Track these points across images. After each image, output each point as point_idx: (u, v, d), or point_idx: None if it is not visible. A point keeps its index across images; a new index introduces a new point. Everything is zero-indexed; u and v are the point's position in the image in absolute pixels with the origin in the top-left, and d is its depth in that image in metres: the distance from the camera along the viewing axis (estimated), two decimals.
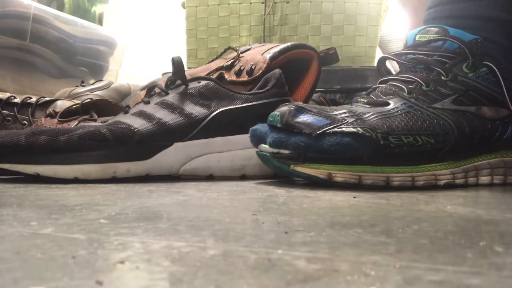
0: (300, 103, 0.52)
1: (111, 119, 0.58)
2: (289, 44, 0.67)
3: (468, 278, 0.20)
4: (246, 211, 0.36)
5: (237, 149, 0.59)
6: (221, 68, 0.64)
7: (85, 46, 1.15)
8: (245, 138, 0.58)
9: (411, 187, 0.51)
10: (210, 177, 0.59)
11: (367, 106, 0.53)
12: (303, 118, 0.50)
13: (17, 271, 0.20)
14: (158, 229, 0.29)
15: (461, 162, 0.54)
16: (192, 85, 0.60)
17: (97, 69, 1.19)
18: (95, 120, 0.63)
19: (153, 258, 0.23)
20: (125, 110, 0.60)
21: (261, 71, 0.63)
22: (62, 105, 0.76)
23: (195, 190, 0.48)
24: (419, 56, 0.56)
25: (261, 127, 0.53)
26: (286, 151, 0.50)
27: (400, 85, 0.55)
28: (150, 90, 0.62)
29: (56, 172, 0.53)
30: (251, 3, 0.93)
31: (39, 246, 0.24)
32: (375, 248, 0.25)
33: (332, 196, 0.44)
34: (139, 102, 0.60)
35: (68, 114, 0.67)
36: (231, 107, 0.59)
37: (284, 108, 0.51)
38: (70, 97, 0.89)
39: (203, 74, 0.63)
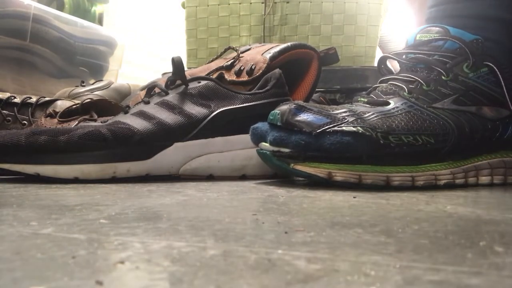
0: (301, 102, 0.52)
1: (111, 119, 0.58)
2: (289, 44, 0.67)
3: (468, 278, 0.20)
4: (246, 211, 0.36)
5: (237, 149, 0.59)
6: (221, 68, 0.64)
7: (85, 46, 1.15)
8: (245, 138, 0.58)
9: (411, 187, 0.51)
10: (210, 177, 0.59)
11: (367, 105, 0.53)
12: (304, 116, 0.50)
13: (17, 271, 0.20)
14: (158, 229, 0.29)
15: (461, 162, 0.54)
16: (192, 85, 0.60)
17: (97, 69, 1.19)
18: (95, 120, 0.63)
19: (153, 258, 0.23)
20: (125, 110, 0.60)
21: (261, 71, 0.63)
22: (62, 105, 0.76)
23: (195, 190, 0.48)
24: (420, 55, 0.56)
25: (262, 125, 0.53)
26: (287, 150, 0.50)
27: (400, 84, 0.55)
28: (150, 90, 0.62)
29: (56, 172, 0.53)
30: (251, 3, 0.93)
31: (39, 246, 0.24)
32: (375, 248, 0.25)
33: (332, 196, 0.44)
34: (139, 102, 0.60)
35: (68, 114, 0.67)
36: (231, 107, 0.59)
37: (284, 107, 0.51)
38: (70, 97, 0.89)
39: (203, 74, 0.63)
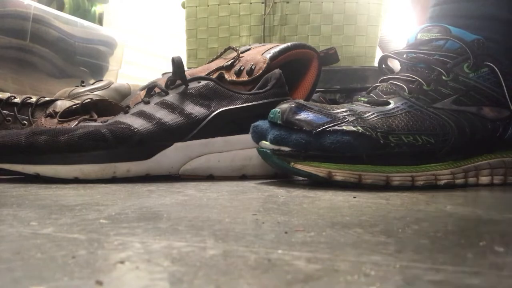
0: (301, 101, 0.52)
1: (111, 119, 0.58)
2: (289, 44, 0.67)
3: (468, 278, 0.20)
4: (246, 211, 0.36)
5: (237, 149, 0.59)
6: (221, 68, 0.64)
7: (85, 46, 1.15)
8: (245, 138, 0.58)
9: (411, 187, 0.51)
10: (210, 177, 0.59)
11: (368, 105, 0.53)
12: (304, 115, 0.50)
13: (17, 271, 0.20)
14: (158, 229, 0.29)
15: (461, 162, 0.54)
16: (192, 85, 0.60)
17: (97, 69, 1.19)
18: (95, 120, 0.63)
19: (153, 258, 0.23)
20: (125, 110, 0.60)
21: (261, 71, 0.63)
22: (62, 105, 0.76)
23: (195, 190, 0.48)
24: (420, 55, 0.56)
25: (263, 123, 0.53)
26: (287, 149, 0.50)
27: (401, 84, 0.55)
28: (150, 90, 0.62)
29: (56, 172, 0.53)
30: (251, 3, 0.93)
31: (39, 246, 0.24)
32: (375, 248, 0.25)
33: (332, 196, 0.44)
34: (139, 102, 0.60)
35: (68, 114, 0.67)
36: (231, 107, 0.59)
37: (285, 105, 0.51)
38: (70, 97, 0.89)
39: (203, 74, 0.63)
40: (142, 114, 0.57)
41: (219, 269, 0.21)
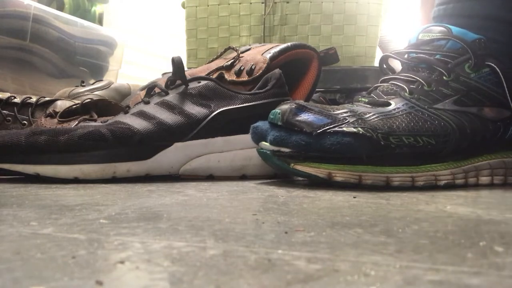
0: (301, 102, 0.52)
1: (111, 119, 0.58)
2: (289, 44, 0.67)
3: (468, 278, 0.20)
4: (246, 211, 0.36)
5: (237, 149, 0.59)
6: (221, 68, 0.64)
7: (85, 46, 1.15)
8: (245, 138, 0.58)
9: (411, 187, 0.51)
10: (210, 177, 0.59)
11: (368, 106, 0.53)
12: (304, 116, 0.50)
13: (17, 271, 0.20)
14: (158, 229, 0.29)
15: (461, 162, 0.54)
16: (192, 85, 0.60)
17: (97, 69, 1.19)
18: (95, 120, 0.63)
19: (153, 258, 0.23)
20: (125, 110, 0.60)
21: (261, 71, 0.63)
22: (62, 105, 0.76)
23: (195, 190, 0.48)
24: (421, 55, 0.56)
25: (263, 124, 0.53)
26: (287, 150, 0.50)
27: (401, 84, 0.54)
28: (150, 90, 0.62)
29: (56, 172, 0.53)
30: (251, 3, 0.93)
31: (39, 246, 0.24)
32: (375, 248, 0.25)
33: (332, 196, 0.44)
34: (139, 102, 0.60)
35: (68, 114, 0.67)
36: (231, 107, 0.59)
37: (285, 106, 0.51)
38: (70, 97, 0.89)
39: (203, 74, 0.63)
40: (142, 114, 0.57)
41: (219, 269, 0.21)
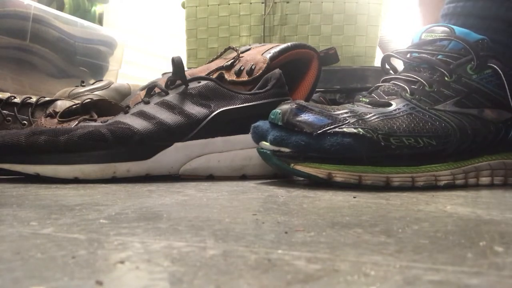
0: (302, 102, 0.52)
1: (111, 119, 0.58)
2: (289, 44, 0.67)
3: (468, 278, 0.20)
4: (246, 211, 0.36)
5: (237, 149, 0.59)
6: (221, 68, 0.64)
7: (85, 46, 1.15)
8: (245, 138, 0.58)
9: (412, 188, 0.51)
10: (210, 177, 0.59)
11: (369, 106, 0.53)
12: (304, 117, 0.50)
13: (17, 271, 0.20)
14: (158, 229, 0.29)
15: (462, 163, 0.54)
16: (192, 85, 0.60)
17: (97, 69, 1.19)
18: (95, 120, 0.63)
19: (153, 258, 0.23)
20: (125, 110, 0.60)
21: (261, 71, 0.63)
22: (62, 105, 0.76)
23: (195, 190, 0.48)
24: (424, 55, 0.55)
25: (263, 124, 0.53)
26: (287, 150, 0.50)
27: (402, 85, 0.54)
28: (150, 90, 0.62)
29: (56, 172, 0.53)
30: (251, 3, 0.93)
31: (39, 246, 0.24)
32: (375, 248, 0.25)
33: (332, 196, 0.44)
34: (139, 102, 0.60)
35: (68, 114, 0.67)
36: (231, 107, 0.59)
37: (285, 106, 0.51)
38: (70, 97, 0.89)
39: (203, 74, 0.63)
40: (142, 114, 0.57)
41: (219, 269, 0.21)
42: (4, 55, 0.99)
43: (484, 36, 0.55)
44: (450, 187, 0.52)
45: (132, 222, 0.31)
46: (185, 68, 0.61)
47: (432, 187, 0.51)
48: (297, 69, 0.69)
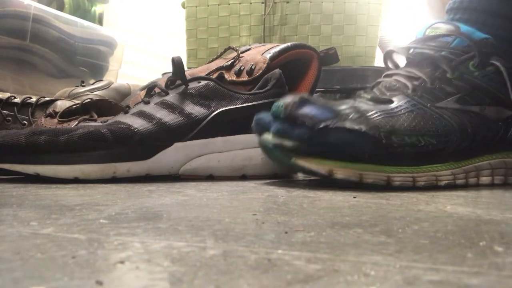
0: (305, 95, 0.52)
1: (111, 119, 0.58)
2: (289, 44, 0.67)
3: (468, 278, 0.20)
4: (246, 211, 0.36)
5: (237, 149, 0.59)
6: (221, 68, 0.64)
7: (85, 46, 1.15)
8: (245, 138, 0.58)
9: (412, 187, 0.50)
10: (210, 177, 0.59)
11: (370, 102, 0.52)
12: (307, 110, 0.49)
13: (17, 271, 0.20)
14: (158, 229, 0.29)
15: (462, 162, 0.53)
16: (192, 85, 0.60)
17: (97, 69, 1.19)
18: (95, 120, 0.63)
19: (153, 258, 0.23)
20: (125, 110, 0.60)
21: (261, 71, 0.63)
22: (62, 105, 0.76)
23: (195, 190, 0.48)
24: (426, 51, 0.55)
25: (266, 116, 0.53)
26: (289, 143, 0.49)
27: (404, 81, 0.54)
28: (150, 90, 0.62)
29: (56, 172, 0.53)
30: (251, 3, 0.93)
31: (39, 246, 0.24)
32: (375, 248, 0.25)
33: (332, 196, 0.44)
34: (139, 102, 0.60)
35: (68, 114, 0.67)
36: (231, 107, 0.59)
37: (288, 99, 0.50)
38: (70, 97, 0.89)
39: (203, 74, 0.63)
40: (142, 114, 0.57)
41: (219, 269, 0.21)
42: (4, 55, 0.99)
43: (488, 35, 0.55)
44: (450, 187, 0.52)
45: (132, 222, 0.31)
46: (185, 68, 0.61)
47: (432, 187, 0.51)
48: (297, 69, 0.69)
